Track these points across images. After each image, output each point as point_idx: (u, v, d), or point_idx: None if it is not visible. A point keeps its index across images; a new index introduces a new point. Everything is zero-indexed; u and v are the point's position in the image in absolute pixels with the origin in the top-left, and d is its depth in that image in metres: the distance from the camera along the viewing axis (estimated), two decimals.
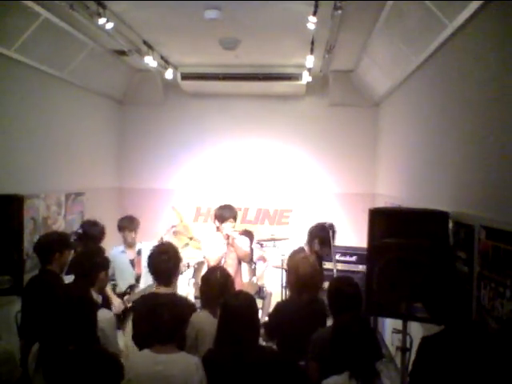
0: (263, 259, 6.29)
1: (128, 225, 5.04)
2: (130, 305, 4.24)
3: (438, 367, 2.39)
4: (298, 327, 3.27)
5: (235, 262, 4.84)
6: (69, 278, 3.83)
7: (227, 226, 4.78)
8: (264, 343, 3.46)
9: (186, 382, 2.54)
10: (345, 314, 2.86)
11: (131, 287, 4.67)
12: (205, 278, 3.44)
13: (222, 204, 4.99)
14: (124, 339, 3.89)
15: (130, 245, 5.03)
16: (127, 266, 4.92)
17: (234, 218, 4.88)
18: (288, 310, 3.50)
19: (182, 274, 5.47)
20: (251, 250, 5.41)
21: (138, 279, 4.82)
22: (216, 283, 3.29)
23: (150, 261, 3.51)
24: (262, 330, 3.19)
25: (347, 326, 2.60)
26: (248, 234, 5.71)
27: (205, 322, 3.12)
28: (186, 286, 5.67)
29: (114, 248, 5.02)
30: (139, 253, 4.95)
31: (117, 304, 4.39)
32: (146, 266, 4.79)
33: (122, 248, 5.03)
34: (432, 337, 2.54)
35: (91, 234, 4.72)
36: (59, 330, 2.43)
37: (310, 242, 4.62)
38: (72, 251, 4.04)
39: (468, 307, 2.79)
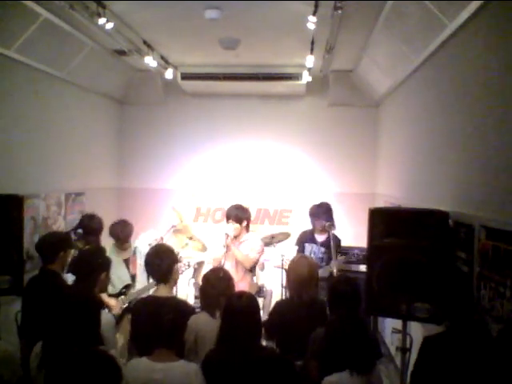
0: (261, 266, 6.20)
1: (122, 232, 4.78)
2: (125, 305, 4.15)
3: (440, 368, 2.39)
4: (298, 326, 3.27)
5: (235, 263, 4.80)
6: (69, 277, 3.83)
7: (229, 226, 4.74)
8: (265, 343, 3.47)
9: None
10: (338, 313, 2.88)
11: (126, 287, 4.55)
12: (205, 279, 3.44)
13: (235, 203, 4.92)
14: (119, 340, 3.87)
15: (125, 248, 4.86)
16: (122, 266, 4.75)
17: (237, 219, 4.71)
18: (287, 310, 3.50)
19: (181, 273, 5.46)
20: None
21: (133, 279, 4.75)
22: (216, 284, 3.29)
23: (146, 261, 3.57)
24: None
25: (338, 325, 2.64)
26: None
27: (203, 324, 3.11)
28: (186, 286, 5.67)
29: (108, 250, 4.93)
30: (134, 252, 4.89)
31: (114, 305, 4.25)
32: (142, 264, 4.79)
33: (114, 251, 4.77)
34: (434, 337, 2.54)
35: (91, 227, 4.67)
36: (64, 330, 2.43)
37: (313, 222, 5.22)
38: (73, 251, 4.04)
39: (471, 306, 2.77)
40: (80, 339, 2.40)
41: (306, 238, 5.27)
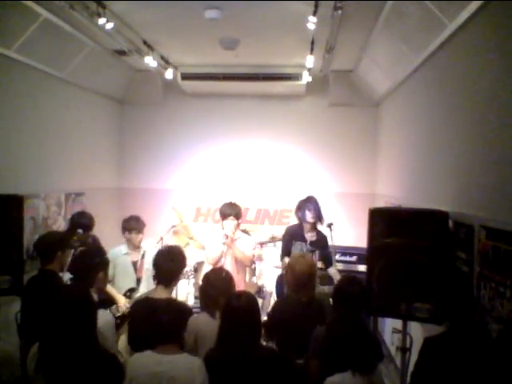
0: (259, 259, 6.25)
1: (136, 226, 4.78)
2: (128, 309, 4.01)
3: (441, 369, 2.38)
4: (297, 325, 3.27)
5: (235, 262, 4.81)
6: (69, 277, 3.82)
7: (227, 224, 4.74)
8: (265, 343, 3.47)
9: (188, 382, 2.54)
10: (339, 314, 2.89)
11: (131, 290, 4.52)
12: (206, 279, 3.43)
13: (227, 201, 4.95)
14: (121, 343, 3.84)
15: (135, 247, 4.79)
16: (129, 268, 4.72)
17: (236, 216, 4.77)
18: (286, 309, 3.50)
19: (187, 278, 5.43)
20: None
21: (138, 282, 4.68)
22: (217, 284, 3.28)
23: (155, 259, 3.53)
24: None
25: (338, 324, 2.65)
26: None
27: (203, 324, 3.11)
28: (186, 286, 5.67)
29: (115, 248, 4.83)
30: (143, 256, 4.77)
31: (123, 303, 4.20)
32: (149, 269, 4.76)
33: (125, 250, 4.77)
34: (435, 338, 2.53)
35: (80, 223, 4.68)
36: (59, 330, 2.43)
37: (297, 213, 5.06)
38: (72, 251, 4.03)
39: (471, 307, 2.78)
40: (75, 339, 2.39)
41: (296, 235, 5.02)
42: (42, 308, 2.89)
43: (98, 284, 3.34)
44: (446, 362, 2.38)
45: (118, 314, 3.95)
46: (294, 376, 2.81)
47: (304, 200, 5.08)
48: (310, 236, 4.98)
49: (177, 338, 2.69)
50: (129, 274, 4.71)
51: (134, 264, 4.76)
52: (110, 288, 4.42)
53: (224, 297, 3.07)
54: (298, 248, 4.94)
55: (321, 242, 4.95)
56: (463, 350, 2.36)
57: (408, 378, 3.10)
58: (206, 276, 3.46)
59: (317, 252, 4.91)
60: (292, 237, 5.01)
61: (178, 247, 3.81)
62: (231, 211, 4.77)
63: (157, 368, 2.54)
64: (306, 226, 4.99)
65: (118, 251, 4.77)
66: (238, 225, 4.89)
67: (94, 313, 2.57)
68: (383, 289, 3.31)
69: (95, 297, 3.35)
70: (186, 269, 5.18)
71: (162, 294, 3.38)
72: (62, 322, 2.43)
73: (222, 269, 3.80)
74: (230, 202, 4.91)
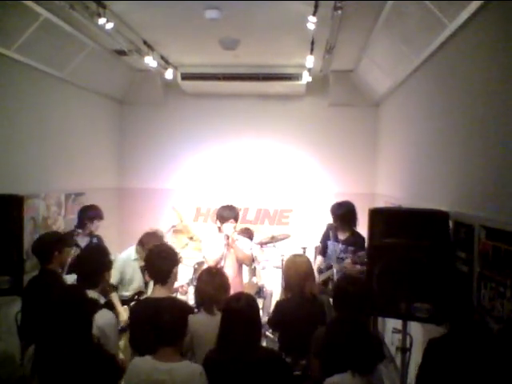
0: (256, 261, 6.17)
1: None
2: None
3: (446, 370, 2.37)
4: (300, 324, 3.28)
5: (235, 263, 4.81)
6: (70, 278, 3.83)
7: (227, 227, 4.75)
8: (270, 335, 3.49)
9: None
10: (339, 313, 2.89)
11: (139, 294, 4.60)
12: (199, 278, 3.47)
13: (224, 204, 4.96)
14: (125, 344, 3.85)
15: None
16: (137, 272, 4.77)
17: (235, 219, 4.79)
18: (289, 308, 3.51)
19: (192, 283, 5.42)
20: None
21: (145, 286, 4.73)
22: (210, 282, 3.31)
23: (146, 259, 3.56)
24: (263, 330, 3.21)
25: (338, 324, 2.66)
26: (247, 232, 5.68)
27: (199, 324, 3.12)
28: (186, 286, 5.66)
29: (125, 251, 4.89)
30: None
31: (122, 313, 4.28)
32: None
33: (134, 255, 4.82)
34: (438, 339, 2.53)
35: (87, 215, 4.84)
36: (54, 331, 2.41)
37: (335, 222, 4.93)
38: (72, 249, 4.04)
39: (470, 307, 2.78)
40: (70, 340, 2.37)
41: (331, 235, 4.96)
42: (42, 308, 2.89)
43: (102, 284, 3.35)
44: (450, 363, 2.37)
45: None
46: (293, 377, 2.81)
47: (336, 207, 4.95)
48: (341, 235, 4.94)
49: (178, 341, 2.67)
50: (137, 278, 4.77)
51: (142, 269, 4.75)
52: (115, 300, 4.43)
53: (218, 294, 3.15)
54: (330, 248, 4.93)
55: (354, 240, 4.86)
56: (468, 351, 2.35)
57: (408, 378, 3.10)
58: (199, 276, 3.52)
59: (350, 249, 4.81)
60: (326, 235, 5.02)
61: (167, 245, 3.83)
62: (230, 214, 4.78)
63: (156, 376, 2.52)
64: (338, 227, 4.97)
65: (128, 256, 4.83)
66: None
67: (88, 314, 2.54)
68: (383, 289, 3.32)
69: (101, 298, 3.36)
70: (190, 277, 5.20)
71: (160, 292, 3.38)
72: (57, 323, 2.41)
73: (212, 267, 3.89)
74: (228, 205, 4.90)
